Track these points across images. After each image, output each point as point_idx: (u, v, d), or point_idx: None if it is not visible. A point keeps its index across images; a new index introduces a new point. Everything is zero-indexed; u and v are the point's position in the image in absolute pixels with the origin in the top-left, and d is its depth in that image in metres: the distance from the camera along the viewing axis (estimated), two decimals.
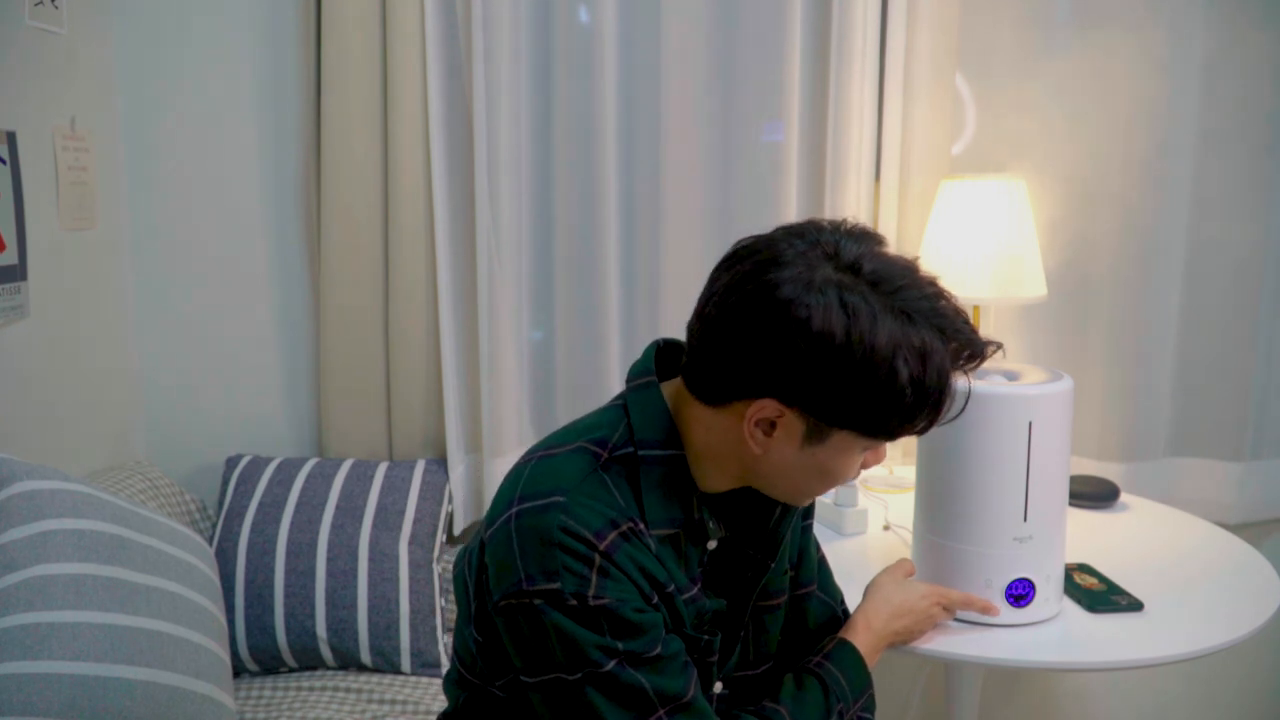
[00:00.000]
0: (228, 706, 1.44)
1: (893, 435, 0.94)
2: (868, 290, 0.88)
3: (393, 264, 1.92)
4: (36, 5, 1.64)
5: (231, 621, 1.75)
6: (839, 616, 1.22)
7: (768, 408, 0.92)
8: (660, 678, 0.94)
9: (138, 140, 1.94)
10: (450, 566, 1.93)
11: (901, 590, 1.24)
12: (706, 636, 1.03)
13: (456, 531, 2.03)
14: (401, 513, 1.85)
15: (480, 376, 1.94)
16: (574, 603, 0.91)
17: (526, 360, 2.02)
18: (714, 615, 1.05)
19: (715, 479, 1.02)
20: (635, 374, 1.03)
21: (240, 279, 2.00)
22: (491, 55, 1.86)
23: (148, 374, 2.00)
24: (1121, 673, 2.14)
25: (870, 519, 1.70)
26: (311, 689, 1.74)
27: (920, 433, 0.95)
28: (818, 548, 1.23)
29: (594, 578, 0.92)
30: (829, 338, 0.87)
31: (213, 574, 1.56)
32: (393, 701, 1.70)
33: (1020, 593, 1.28)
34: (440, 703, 1.69)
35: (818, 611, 1.20)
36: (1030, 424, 1.23)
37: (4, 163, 1.55)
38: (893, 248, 0.95)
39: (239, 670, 1.78)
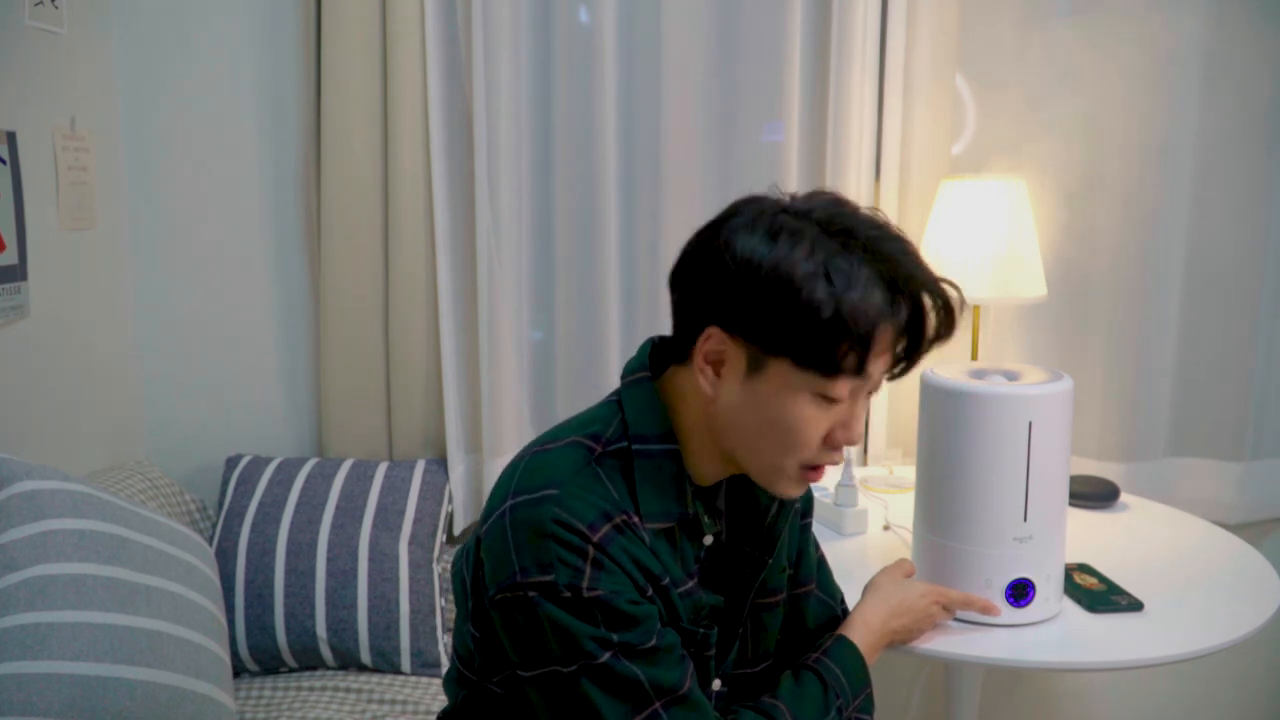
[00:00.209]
0: (228, 706, 1.44)
1: (824, 367, 0.91)
2: (808, 225, 0.92)
3: (393, 264, 1.92)
4: (36, 5, 1.64)
5: (231, 621, 1.75)
6: (838, 616, 1.22)
7: (713, 337, 0.95)
8: (656, 669, 0.94)
9: (138, 140, 1.94)
10: (450, 566, 1.93)
11: (901, 589, 1.23)
12: (703, 630, 1.03)
13: (456, 531, 2.03)
14: (401, 513, 1.85)
15: (480, 376, 1.94)
16: (568, 594, 0.92)
17: (526, 360, 2.02)
18: (711, 611, 1.05)
19: (706, 465, 1.02)
20: (630, 370, 1.04)
21: (240, 279, 2.00)
22: (491, 55, 1.86)
23: (148, 374, 2.00)
24: (1121, 673, 2.14)
25: (870, 519, 1.70)
26: (311, 689, 1.74)
27: (857, 373, 0.92)
28: (816, 547, 1.23)
29: (588, 569, 0.92)
30: (750, 256, 0.91)
31: (213, 574, 1.56)
32: (393, 701, 1.70)
33: (1020, 593, 1.28)
34: (440, 703, 1.69)
35: (816, 610, 1.20)
36: (1030, 424, 1.23)
37: (4, 163, 1.55)
38: None
39: (239, 670, 1.78)
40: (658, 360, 1.05)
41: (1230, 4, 1.93)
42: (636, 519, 0.97)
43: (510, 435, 1.98)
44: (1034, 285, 1.84)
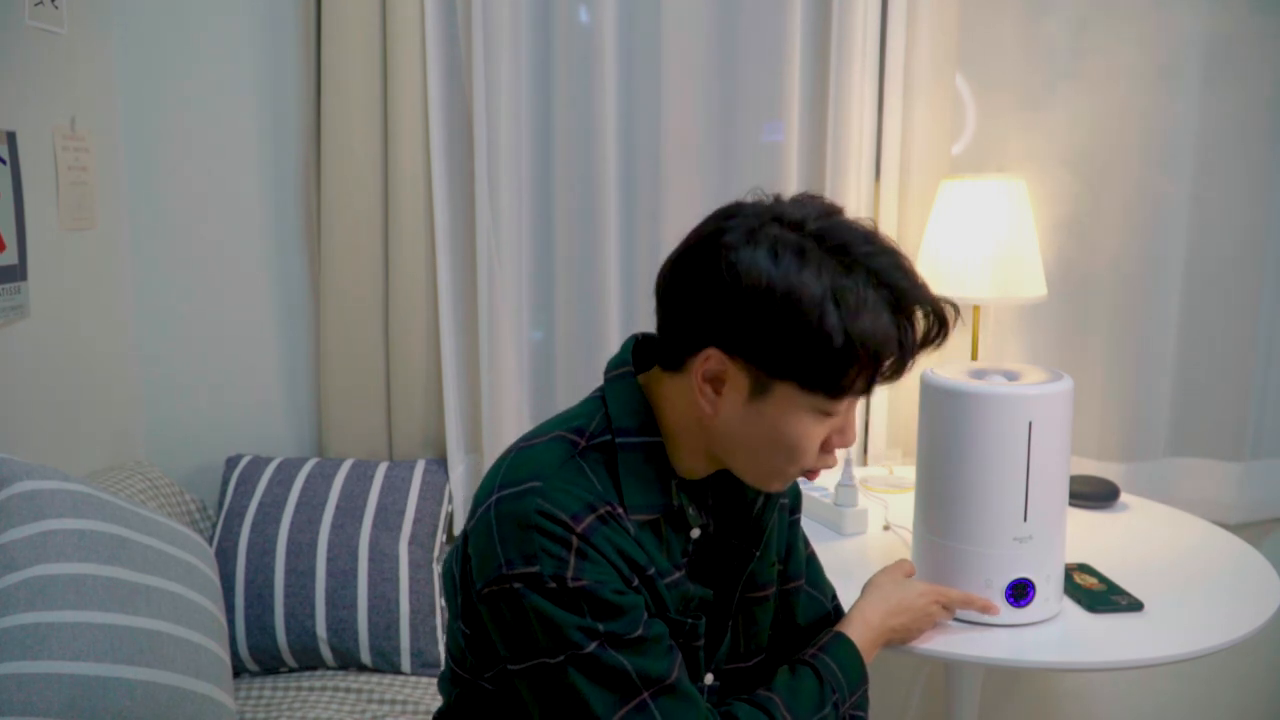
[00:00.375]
0: (228, 706, 1.44)
1: (831, 390, 0.93)
2: (809, 243, 0.91)
3: (393, 264, 1.92)
4: (36, 5, 1.64)
5: (231, 621, 1.75)
6: (828, 611, 1.23)
7: (712, 359, 0.94)
8: (643, 659, 0.95)
9: (138, 140, 1.94)
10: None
11: (900, 588, 1.24)
12: (691, 621, 1.03)
13: (456, 531, 2.03)
14: (401, 513, 1.85)
15: (480, 376, 1.94)
16: (553, 585, 0.92)
17: (526, 360, 2.02)
18: (700, 602, 1.05)
19: (691, 461, 1.03)
20: (612, 366, 1.06)
21: (240, 279, 2.00)
22: (491, 55, 1.86)
23: (148, 374, 2.00)
24: (1121, 673, 2.14)
25: (870, 519, 1.70)
26: (311, 689, 1.74)
27: (863, 392, 0.94)
28: (806, 543, 1.23)
29: (572, 560, 0.92)
30: (757, 280, 0.90)
31: (213, 574, 1.56)
32: (393, 701, 1.70)
33: (1020, 593, 1.28)
34: (440, 703, 1.68)
35: (806, 606, 1.20)
36: (1030, 424, 1.23)
37: (4, 163, 1.55)
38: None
39: (239, 670, 1.78)
40: (641, 356, 1.06)
41: (1230, 4, 1.93)
42: (620, 510, 0.98)
43: (510, 435, 1.98)
44: (1034, 285, 1.84)
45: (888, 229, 1.97)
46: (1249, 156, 1.97)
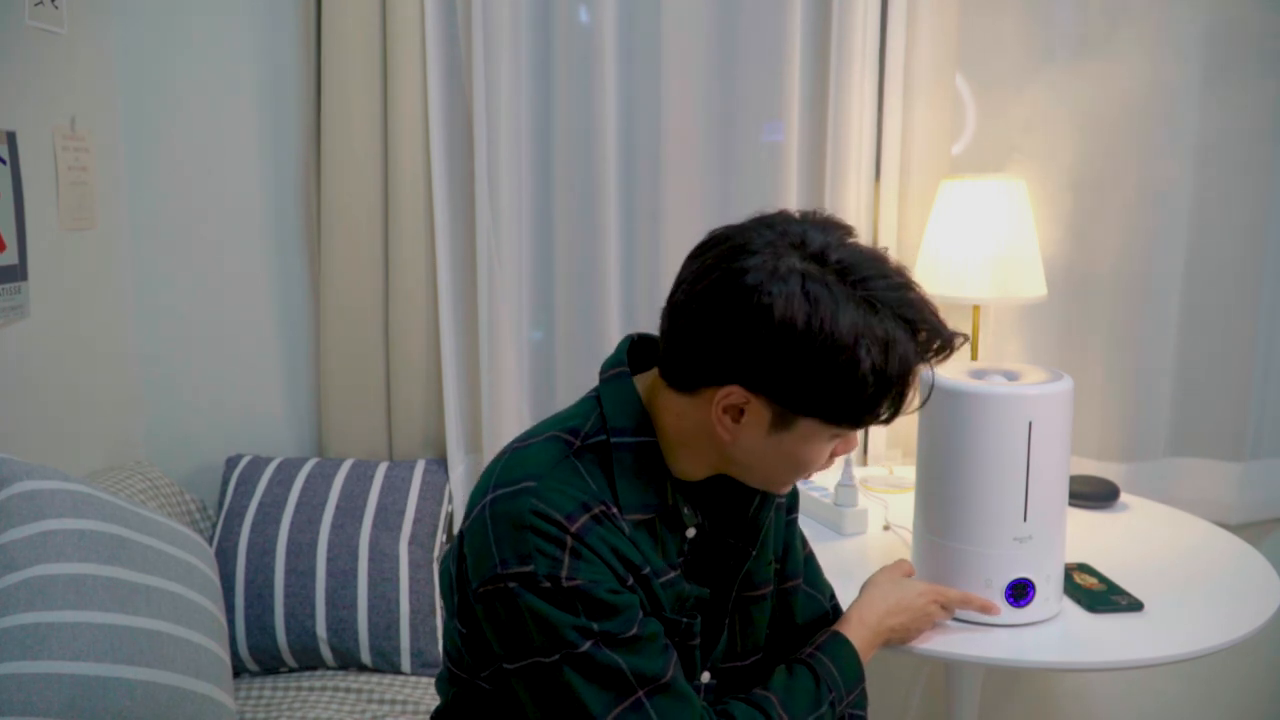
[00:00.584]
0: (228, 706, 1.44)
1: (858, 424, 0.95)
2: (833, 279, 0.90)
3: (393, 264, 1.92)
4: (36, 5, 1.64)
5: (231, 621, 1.75)
6: (826, 611, 1.23)
7: (734, 394, 0.94)
8: (638, 658, 0.95)
9: (138, 140, 1.94)
10: None
11: (898, 588, 1.24)
12: (686, 620, 1.04)
13: (456, 531, 2.03)
14: (401, 513, 1.85)
15: (480, 376, 1.94)
16: (547, 584, 0.92)
17: (526, 360, 2.02)
18: (696, 601, 1.05)
19: (690, 466, 1.03)
20: (608, 366, 1.06)
21: (240, 279, 2.00)
22: (491, 55, 1.86)
23: (148, 374, 2.00)
24: (1121, 673, 2.14)
25: (870, 519, 1.70)
26: (311, 689, 1.74)
27: (885, 422, 0.96)
28: (804, 543, 1.23)
29: (566, 559, 0.93)
30: (791, 325, 0.88)
31: (213, 574, 1.56)
32: (393, 701, 1.70)
33: (1020, 593, 1.28)
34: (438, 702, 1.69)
35: (804, 606, 1.20)
36: (1030, 424, 1.23)
37: (4, 163, 1.55)
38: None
39: (239, 670, 1.78)
40: (636, 357, 1.06)
41: (1231, 4, 1.93)
42: (615, 510, 0.98)
43: (510, 435, 1.95)
44: (1034, 285, 1.84)
45: (888, 229, 1.97)
46: (1249, 156, 1.97)
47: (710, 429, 0.97)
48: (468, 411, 1.99)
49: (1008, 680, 2.18)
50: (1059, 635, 1.31)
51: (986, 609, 1.27)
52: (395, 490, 1.87)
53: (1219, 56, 1.94)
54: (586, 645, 0.93)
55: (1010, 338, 2.07)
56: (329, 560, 1.78)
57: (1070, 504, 1.47)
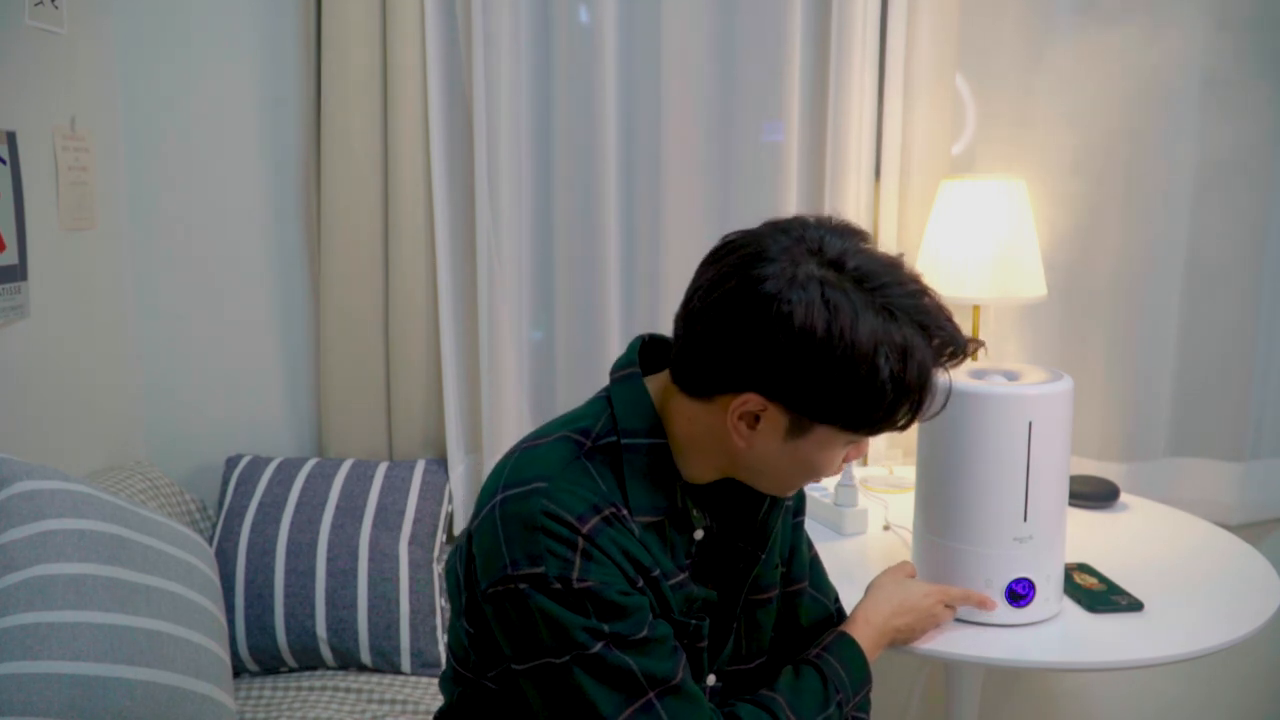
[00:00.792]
0: (228, 706, 1.44)
1: (875, 430, 0.95)
2: (851, 286, 0.89)
3: (393, 264, 1.92)
4: (36, 5, 1.64)
5: (231, 621, 1.75)
6: (832, 614, 1.23)
7: (751, 402, 0.93)
8: (648, 660, 0.95)
9: (138, 140, 1.94)
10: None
11: (903, 589, 1.24)
12: (695, 622, 1.04)
13: (456, 531, 2.03)
14: (401, 513, 1.85)
15: (480, 376, 1.94)
16: (558, 585, 0.92)
17: (526, 360, 2.02)
18: (704, 603, 1.05)
19: (699, 470, 1.03)
20: (619, 367, 1.05)
21: (240, 279, 2.00)
22: (491, 55, 1.86)
23: (148, 374, 2.00)
24: (1121, 673, 2.14)
25: (870, 519, 1.70)
26: (311, 689, 1.74)
27: (902, 428, 0.96)
28: (810, 545, 1.23)
29: (577, 560, 0.93)
30: (810, 334, 0.88)
31: (213, 574, 1.56)
32: (393, 701, 1.70)
33: (1020, 593, 1.28)
34: (440, 702, 1.69)
35: (810, 609, 1.21)
36: (1030, 424, 1.23)
37: (4, 163, 1.55)
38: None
39: (239, 670, 1.78)
40: (647, 358, 1.06)
41: (1232, 5, 1.93)
42: (625, 512, 0.98)
43: (510, 435, 1.98)
44: (1034, 285, 1.84)
45: (887, 229, 1.97)
46: (1249, 157, 1.97)
47: (723, 434, 0.97)
48: (468, 411, 1.99)
49: (1008, 680, 2.18)
50: (1059, 635, 1.31)
51: (983, 604, 1.28)
52: (395, 490, 1.87)
53: (1220, 57, 1.94)
54: (597, 646, 0.93)
55: (1010, 338, 2.07)
56: (329, 560, 1.78)
57: (1070, 504, 1.47)
